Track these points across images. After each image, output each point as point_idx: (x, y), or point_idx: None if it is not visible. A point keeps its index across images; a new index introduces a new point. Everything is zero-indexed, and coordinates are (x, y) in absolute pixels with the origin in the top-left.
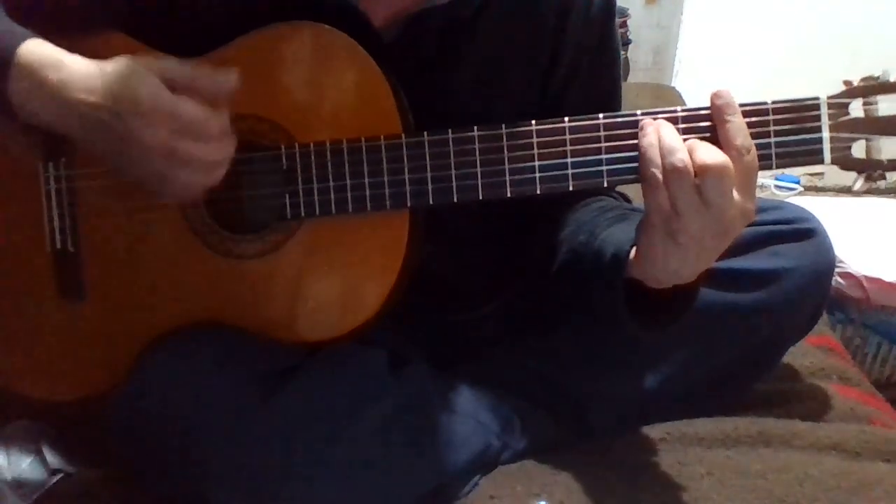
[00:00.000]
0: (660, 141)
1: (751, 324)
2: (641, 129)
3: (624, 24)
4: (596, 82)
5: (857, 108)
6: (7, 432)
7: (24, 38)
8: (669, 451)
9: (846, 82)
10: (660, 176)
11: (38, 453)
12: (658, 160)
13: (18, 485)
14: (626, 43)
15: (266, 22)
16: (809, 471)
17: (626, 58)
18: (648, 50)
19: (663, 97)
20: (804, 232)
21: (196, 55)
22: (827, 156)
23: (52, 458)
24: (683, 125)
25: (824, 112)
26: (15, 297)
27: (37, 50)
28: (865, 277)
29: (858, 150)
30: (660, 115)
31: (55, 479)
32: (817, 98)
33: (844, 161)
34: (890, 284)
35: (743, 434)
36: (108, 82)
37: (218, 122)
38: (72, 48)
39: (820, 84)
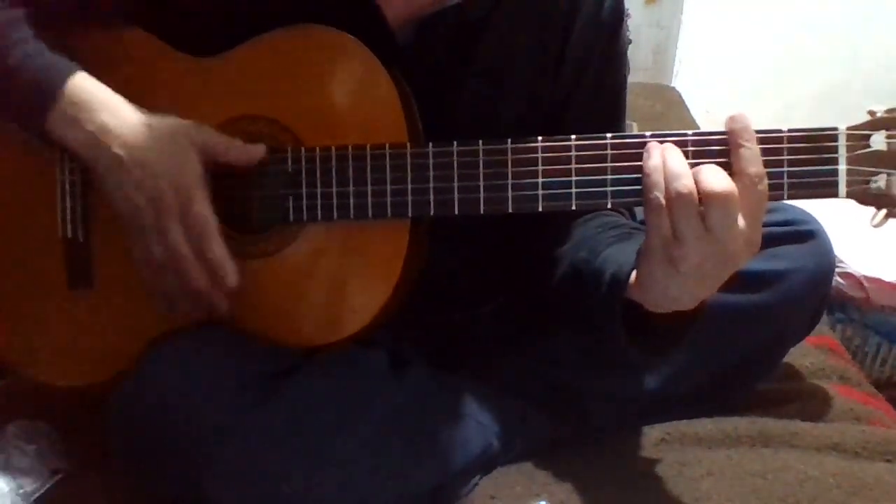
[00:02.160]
0: (665, 165)
1: (751, 325)
2: (646, 151)
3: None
4: (602, 85)
5: (879, 141)
6: (7, 432)
7: (69, 73)
8: (669, 451)
9: (870, 112)
10: (662, 200)
11: (38, 453)
12: (661, 184)
13: (18, 485)
14: (627, 43)
15: (282, 21)
16: (809, 471)
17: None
18: (648, 50)
19: (663, 97)
20: (805, 234)
21: (210, 54)
22: (842, 189)
23: (52, 458)
24: (693, 148)
25: (842, 143)
26: (27, 283)
27: (80, 86)
28: (865, 277)
29: (878, 184)
30: (669, 139)
31: (55, 479)
32: (836, 128)
33: (861, 195)
34: (890, 284)
35: (743, 434)
36: (138, 140)
37: (232, 275)
38: (91, 45)
39: (820, 84)
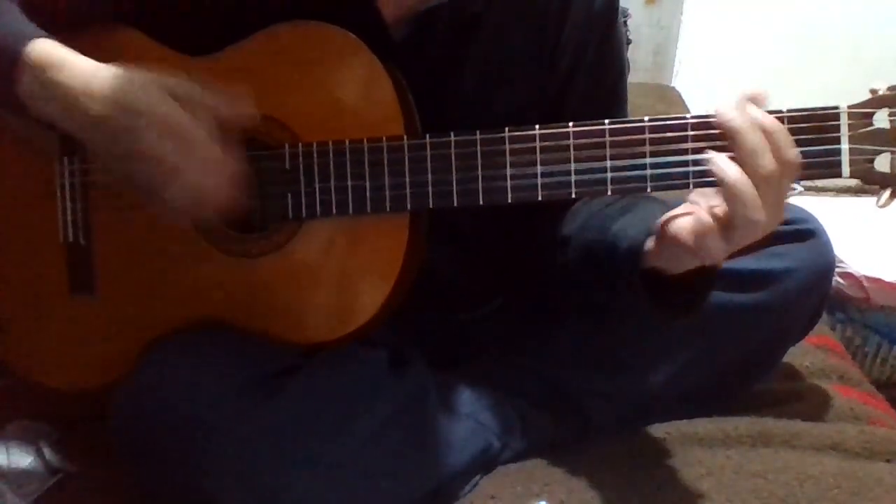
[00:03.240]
0: (776, 140)
1: (751, 324)
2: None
3: (624, 24)
4: (600, 75)
5: (882, 119)
6: (7, 432)
7: (33, 37)
8: (669, 451)
9: (872, 91)
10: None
11: (38, 453)
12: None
13: (18, 485)
14: (627, 43)
15: (279, 18)
16: (809, 471)
17: (626, 58)
18: (648, 50)
19: (663, 97)
20: (804, 233)
21: (207, 52)
22: (846, 169)
23: (52, 458)
24: (693, 132)
25: (844, 122)
26: (30, 287)
27: (44, 49)
28: (865, 277)
29: (882, 163)
30: (669, 121)
31: (55, 479)
32: (837, 107)
33: (866, 174)
34: (890, 284)
35: (743, 434)
36: (114, 90)
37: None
38: (84, 45)
39: (821, 84)
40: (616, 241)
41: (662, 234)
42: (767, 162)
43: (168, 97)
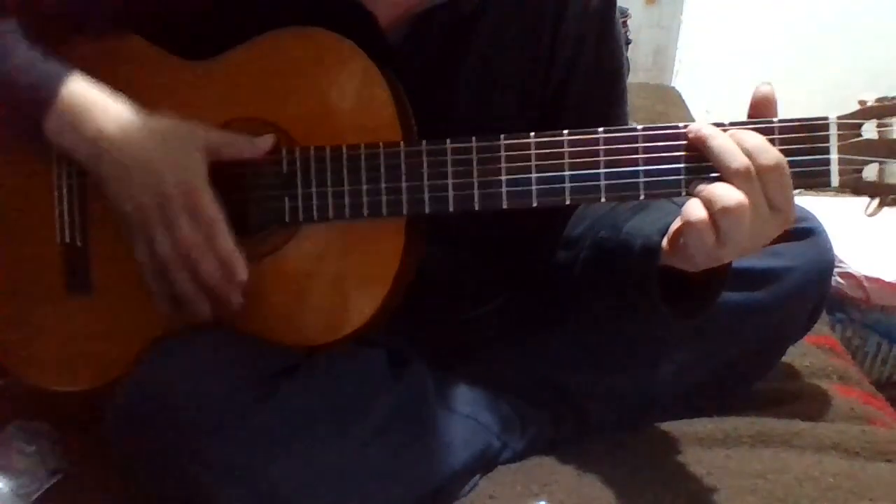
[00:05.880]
0: (743, 142)
1: (750, 323)
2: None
3: (624, 24)
4: (599, 71)
5: (870, 130)
6: (7, 432)
7: (64, 79)
8: (669, 451)
9: (860, 102)
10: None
11: (38, 453)
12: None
13: (18, 485)
14: (627, 43)
15: (275, 24)
16: (809, 471)
17: (627, 58)
18: (648, 50)
19: (663, 97)
20: (804, 231)
21: (204, 58)
22: (835, 178)
23: (51, 458)
24: (685, 141)
25: (833, 133)
26: (26, 289)
27: (79, 91)
28: (865, 277)
29: (871, 173)
30: (661, 130)
31: (55, 479)
32: (826, 118)
33: (854, 184)
34: (890, 284)
35: (743, 434)
36: (149, 144)
37: (241, 268)
38: (85, 51)
39: (820, 84)
40: (629, 239)
41: (671, 243)
42: (737, 158)
43: (202, 160)
